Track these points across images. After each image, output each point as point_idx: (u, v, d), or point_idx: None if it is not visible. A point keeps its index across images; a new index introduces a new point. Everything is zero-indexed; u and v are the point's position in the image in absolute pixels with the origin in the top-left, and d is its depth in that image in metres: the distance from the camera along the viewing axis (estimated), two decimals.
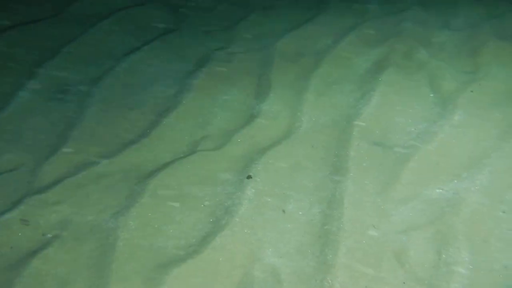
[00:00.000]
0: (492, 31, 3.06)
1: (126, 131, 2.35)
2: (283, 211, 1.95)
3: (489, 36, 3.02)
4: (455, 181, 2.05)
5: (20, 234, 1.78)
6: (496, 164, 2.11)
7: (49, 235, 1.78)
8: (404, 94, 2.68)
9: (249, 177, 2.10)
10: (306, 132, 2.44)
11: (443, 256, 1.72)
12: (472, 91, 2.61)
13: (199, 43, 3.20)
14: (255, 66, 3.04)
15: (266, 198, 2.01)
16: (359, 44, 3.24)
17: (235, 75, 2.93)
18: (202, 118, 2.53)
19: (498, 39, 2.98)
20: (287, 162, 2.23)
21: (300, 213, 1.96)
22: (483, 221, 1.85)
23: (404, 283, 1.64)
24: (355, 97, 2.69)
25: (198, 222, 1.88)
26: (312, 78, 2.88)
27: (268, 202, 1.99)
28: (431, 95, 2.67)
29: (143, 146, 2.25)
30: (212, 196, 2.01)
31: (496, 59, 2.83)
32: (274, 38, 3.28)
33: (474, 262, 1.69)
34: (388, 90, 2.72)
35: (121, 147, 2.22)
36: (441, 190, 2.02)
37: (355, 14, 3.47)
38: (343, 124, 2.47)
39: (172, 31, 3.29)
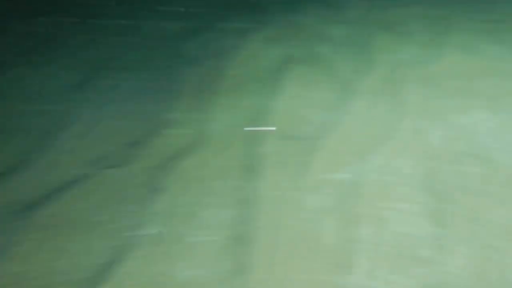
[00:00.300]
0: (378, 23, 3.34)
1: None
2: (195, 218, 2.00)
3: (377, 27, 3.30)
4: (358, 165, 2.24)
5: None
6: (389, 144, 2.34)
7: None
8: (309, 88, 2.85)
9: (157, 190, 2.13)
10: (217, 136, 2.51)
11: (351, 236, 1.88)
12: (364, 76, 2.84)
13: None
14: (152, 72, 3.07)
15: (177, 209, 2.04)
16: (261, 42, 3.38)
17: None
18: None
19: (383, 30, 3.27)
20: (199, 170, 2.28)
21: (215, 217, 2.02)
22: (380, 197, 2.05)
23: (322, 268, 1.77)
24: (262, 95, 2.81)
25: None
26: (220, 78, 2.96)
27: (179, 212, 2.03)
28: (333, 86, 2.86)
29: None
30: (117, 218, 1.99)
31: (384, 46, 3.10)
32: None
33: (374, 236, 1.88)
34: (294, 85, 2.88)
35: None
36: (346, 174, 2.19)
37: (255, 13, 3.60)
38: (253, 122, 2.58)
39: None
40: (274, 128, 2.52)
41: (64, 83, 2.87)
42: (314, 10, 3.60)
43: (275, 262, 1.79)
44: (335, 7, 3.59)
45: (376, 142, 2.36)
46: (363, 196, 2.06)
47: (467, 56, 2.89)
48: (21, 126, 2.52)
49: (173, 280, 1.72)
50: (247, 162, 2.31)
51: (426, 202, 2.00)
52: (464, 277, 1.68)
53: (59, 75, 2.94)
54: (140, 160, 2.32)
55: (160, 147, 2.41)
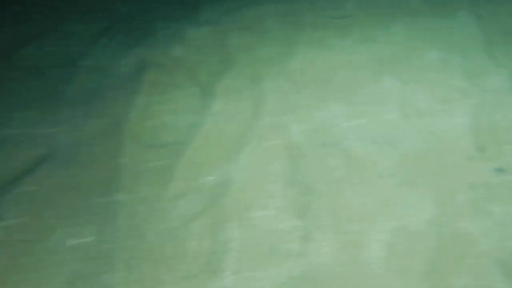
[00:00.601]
0: (233, 23, 3.34)
1: None
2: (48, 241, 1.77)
3: (232, 28, 3.29)
4: (224, 165, 2.17)
5: None
6: (255, 143, 2.31)
7: None
8: (168, 92, 2.72)
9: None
10: (73, 148, 2.27)
11: (219, 238, 1.80)
12: (223, 77, 2.80)
13: None
14: None
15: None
16: (119, 47, 3.16)
17: None
18: None
19: (239, 30, 3.27)
20: (47, 187, 2.03)
21: (70, 240, 1.80)
22: (246, 196, 2.01)
23: (190, 276, 1.66)
24: (120, 103, 2.61)
25: None
26: (69, 89, 2.70)
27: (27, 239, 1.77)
28: (192, 89, 2.76)
29: None
30: None
31: (240, 46, 3.10)
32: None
33: (242, 235, 1.83)
34: (152, 91, 2.72)
35: None
36: (212, 177, 2.11)
37: (105, 17, 3.38)
38: (114, 132, 2.38)
39: None
40: None
41: None
42: (169, 11, 3.48)
43: (141, 278, 1.64)
44: (190, 8, 3.51)
45: (240, 142, 2.33)
46: (230, 197, 2.00)
47: (320, 51, 3.00)
48: None
49: None
50: (106, 175, 2.11)
51: (291, 196, 2.00)
52: (328, 264, 1.71)
53: None
54: None
55: None
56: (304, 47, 3.04)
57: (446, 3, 3.33)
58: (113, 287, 1.63)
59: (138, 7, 3.56)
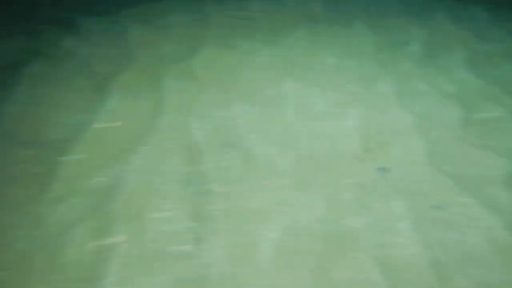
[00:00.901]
0: (134, 16, 3.22)
1: None
2: None
3: (132, 21, 3.17)
4: (116, 166, 2.07)
5: None
6: (150, 141, 2.24)
7: None
8: (56, 85, 2.55)
9: None
10: None
11: (101, 244, 1.70)
12: (123, 73, 2.69)
13: None
14: None
15: None
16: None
17: None
18: None
19: (140, 22, 3.16)
20: None
21: None
22: (138, 197, 1.93)
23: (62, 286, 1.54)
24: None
25: None
26: None
27: None
28: (85, 82, 2.61)
29: None
30: None
31: (141, 40, 3.00)
32: None
33: (130, 239, 1.75)
34: (36, 83, 2.53)
35: None
36: (101, 178, 2.00)
37: None
38: None
39: None
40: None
41: None
42: None
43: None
44: None
45: (135, 141, 2.24)
46: (120, 199, 1.90)
47: (224, 50, 3.00)
48: None
49: None
50: None
51: (185, 198, 1.96)
52: (219, 265, 1.69)
53: None
54: None
55: None
56: (208, 46, 3.03)
57: (344, 13, 3.50)
58: None
59: None
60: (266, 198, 2.00)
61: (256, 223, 1.87)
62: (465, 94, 2.72)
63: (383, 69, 2.89)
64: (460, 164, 2.19)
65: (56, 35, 2.88)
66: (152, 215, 1.86)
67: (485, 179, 2.11)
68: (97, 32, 3.06)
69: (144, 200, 1.91)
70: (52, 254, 1.65)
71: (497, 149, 2.29)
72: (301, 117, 2.53)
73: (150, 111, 2.45)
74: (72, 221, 1.78)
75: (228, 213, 1.90)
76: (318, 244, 1.77)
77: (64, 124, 2.28)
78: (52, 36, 2.86)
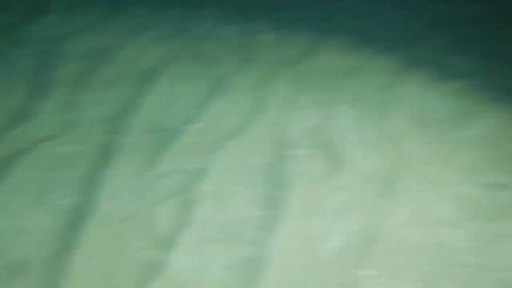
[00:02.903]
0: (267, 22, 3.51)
1: None
2: (44, 202, 2.02)
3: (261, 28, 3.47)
4: (211, 154, 2.32)
5: None
6: (246, 134, 2.45)
7: None
8: (182, 83, 2.92)
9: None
10: (82, 128, 2.53)
11: (185, 217, 1.96)
12: (240, 73, 2.96)
13: None
14: (37, 68, 3.04)
15: (13, 198, 2.06)
16: (151, 41, 3.42)
17: (10, 79, 2.91)
18: None
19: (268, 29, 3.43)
20: (55, 159, 2.29)
21: (61, 202, 2.03)
22: (224, 183, 2.15)
23: (147, 247, 1.83)
24: (135, 91, 2.85)
25: None
26: (96, 75, 2.98)
27: (15, 201, 2.04)
28: (208, 82, 2.94)
29: None
30: None
31: (263, 45, 3.25)
32: (63, 38, 3.31)
33: (209, 217, 1.97)
34: (166, 80, 2.94)
35: None
36: (198, 164, 2.27)
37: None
38: (120, 116, 2.61)
39: None
40: None
41: None
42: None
43: (102, 244, 1.83)
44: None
45: (233, 134, 2.46)
46: (205, 183, 2.15)
47: (344, 55, 3.08)
48: None
49: None
50: (102, 152, 2.33)
51: (263, 188, 2.10)
52: (282, 252, 1.79)
53: None
54: None
55: (20, 135, 2.44)
56: (326, 49, 3.14)
57: None
58: (77, 242, 1.81)
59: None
60: (345, 199, 2.03)
61: (327, 221, 1.92)
62: None
63: None
64: None
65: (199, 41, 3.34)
66: (234, 200, 2.06)
67: None
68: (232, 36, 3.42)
69: (229, 186, 2.13)
70: (144, 222, 1.95)
71: None
72: (410, 124, 2.48)
73: (255, 107, 2.65)
74: (166, 195, 2.08)
75: (300, 210, 1.98)
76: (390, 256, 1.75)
77: (184, 115, 2.63)
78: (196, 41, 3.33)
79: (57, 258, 1.78)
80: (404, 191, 2.07)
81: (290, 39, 3.37)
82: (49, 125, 2.53)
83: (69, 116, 2.61)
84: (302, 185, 2.12)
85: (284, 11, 3.68)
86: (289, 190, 2.08)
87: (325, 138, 2.43)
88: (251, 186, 2.12)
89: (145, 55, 3.21)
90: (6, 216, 1.99)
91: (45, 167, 2.23)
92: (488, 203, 2.03)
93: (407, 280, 1.70)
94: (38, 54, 3.17)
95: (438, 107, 2.65)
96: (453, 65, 3.03)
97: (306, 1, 3.82)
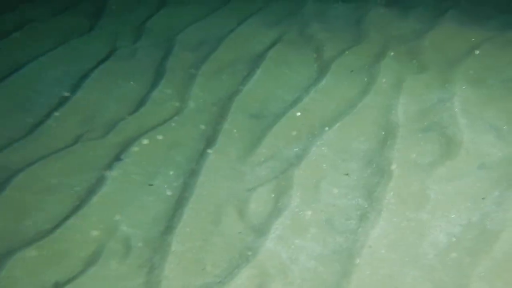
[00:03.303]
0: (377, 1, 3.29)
1: (11, 131, 2.54)
2: (150, 185, 2.15)
3: (373, 5, 3.24)
4: (310, 139, 2.25)
5: None
6: (347, 119, 2.32)
7: None
8: (287, 67, 2.89)
9: (118, 159, 2.30)
10: (191, 113, 2.64)
11: (278, 204, 1.92)
12: (347, 54, 2.81)
13: (106, 43, 3.41)
14: (156, 58, 3.25)
15: (133, 176, 2.20)
16: (259, 26, 3.44)
17: (134, 69, 3.13)
18: (93, 112, 2.72)
19: (381, 7, 3.20)
20: (164, 142, 2.42)
21: (165, 186, 2.15)
22: (320, 170, 2.06)
23: (239, 232, 1.83)
24: (242, 76, 2.89)
25: (64, 208, 2.05)
26: (207, 63, 3.08)
27: (134, 180, 2.18)
28: (314, 64, 2.86)
29: (25, 144, 2.44)
30: (83, 182, 2.20)
31: (374, 25, 3.03)
32: (179, 29, 3.49)
33: (300, 205, 1.90)
34: (273, 65, 2.93)
35: (9, 143, 2.42)
36: (296, 149, 2.22)
37: None
38: (226, 101, 2.67)
39: (83, 34, 3.50)
40: None
41: None
42: None
43: (199, 228, 1.89)
44: None
45: (335, 117, 2.36)
46: (303, 169, 2.08)
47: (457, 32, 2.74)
48: None
49: None
50: (206, 137, 2.41)
51: (362, 176, 1.98)
52: (377, 246, 1.66)
53: None
54: None
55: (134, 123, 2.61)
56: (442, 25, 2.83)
57: None
58: (177, 225, 1.89)
59: None
60: (450, 189, 1.82)
61: (430, 212, 1.74)
62: None
63: None
64: None
65: (306, 23, 3.24)
66: (328, 187, 1.96)
67: None
68: (341, 17, 3.28)
69: (324, 173, 2.03)
70: (240, 206, 1.97)
71: None
72: None
73: (362, 90, 2.51)
74: (262, 181, 2.07)
75: (396, 197, 1.82)
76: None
77: (283, 100, 2.60)
78: (302, 24, 3.25)
79: (153, 239, 1.88)
80: None
81: (403, 14, 3.12)
82: (161, 112, 2.69)
83: (180, 102, 2.75)
84: (406, 172, 1.95)
85: None
86: (391, 179, 1.93)
87: (438, 121, 2.20)
88: (349, 173, 2.01)
89: (255, 41, 3.24)
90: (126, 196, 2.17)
91: (153, 152, 2.37)
92: None
93: None
94: (157, 45, 3.39)
95: None
96: None
97: None
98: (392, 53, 2.74)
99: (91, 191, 2.11)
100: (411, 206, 1.80)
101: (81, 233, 1.91)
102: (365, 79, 2.58)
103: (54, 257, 1.81)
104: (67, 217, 1.98)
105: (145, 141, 2.42)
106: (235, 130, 2.43)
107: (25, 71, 3.09)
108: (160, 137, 2.46)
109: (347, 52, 2.86)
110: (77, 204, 2.06)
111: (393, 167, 1.98)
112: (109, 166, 2.25)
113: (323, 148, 2.17)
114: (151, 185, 2.14)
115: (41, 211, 2.03)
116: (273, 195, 1.97)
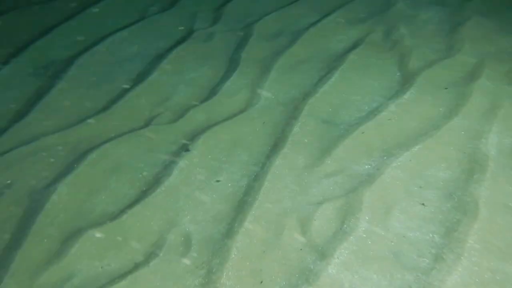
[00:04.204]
0: (476, 7, 3.02)
1: (87, 106, 2.60)
2: (217, 181, 2.12)
3: (472, 12, 2.99)
4: (384, 158, 2.12)
5: None
6: (427, 142, 2.16)
7: None
8: (368, 74, 2.75)
9: (186, 150, 2.28)
10: (261, 109, 2.58)
11: (344, 225, 1.82)
12: (436, 67, 2.62)
13: (184, 23, 3.39)
14: (231, 45, 3.20)
15: (198, 169, 2.18)
16: (341, 23, 3.30)
17: (209, 54, 3.10)
18: (165, 94, 2.73)
19: (480, 15, 2.94)
20: (231, 138, 2.39)
21: (229, 184, 2.11)
22: (393, 195, 1.94)
23: (300, 249, 1.76)
24: (318, 76, 2.78)
25: (130, 191, 2.08)
26: (283, 56, 2.99)
27: (199, 173, 2.16)
28: (397, 74, 2.70)
29: (99, 120, 2.48)
30: (151, 167, 2.21)
31: (470, 36, 2.80)
32: (257, 17, 3.41)
33: (368, 231, 1.79)
34: (352, 68, 2.80)
35: (77, 121, 2.47)
36: (368, 166, 2.10)
37: None
38: (299, 101, 2.58)
39: (162, 11, 3.50)
40: None
41: None
42: None
43: (257, 236, 1.84)
44: None
45: (413, 137, 2.20)
46: (375, 190, 1.96)
47: None
48: None
49: None
50: (274, 138, 2.34)
51: (442, 210, 1.83)
52: (444, 286, 1.55)
53: None
54: None
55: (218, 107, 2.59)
56: None
57: None
58: (238, 229, 1.82)
59: None
60: None
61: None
62: None
63: None
64: None
65: (393, 26, 3.08)
66: (400, 216, 1.84)
67: None
68: (433, 23, 3.08)
69: (397, 199, 1.90)
70: (304, 221, 1.89)
71: None
72: None
73: (447, 109, 2.33)
74: (328, 196, 1.97)
75: (484, 244, 1.67)
76: None
77: (358, 109, 2.47)
78: (389, 27, 3.09)
79: (213, 240, 1.85)
80: None
81: (505, 28, 2.86)
82: (231, 104, 2.64)
83: (251, 96, 2.69)
84: (494, 215, 1.79)
85: None
86: (475, 219, 1.78)
87: None
88: (425, 203, 1.88)
89: (335, 39, 3.10)
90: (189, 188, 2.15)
91: (219, 147, 2.33)
92: None
93: None
94: (234, 30, 3.33)
95: None
96: None
97: None
98: (489, 72, 2.52)
99: (158, 180, 2.12)
100: (498, 256, 1.64)
101: (145, 222, 1.92)
102: (454, 99, 2.40)
103: (116, 243, 1.83)
104: (133, 203, 2.00)
105: (212, 134, 2.39)
106: (305, 135, 2.34)
107: (107, 43, 3.16)
108: (227, 131, 2.42)
109: (436, 63, 2.67)
110: (144, 190, 2.08)
111: (480, 206, 1.82)
112: (177, 155, 2.25)
113: (398, 170, 2.04)
114: (218, 181, 2.11)
115: (110, 192, 2.07)
116: (339, 215, 1.88)
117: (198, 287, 1.66)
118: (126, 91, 2.72)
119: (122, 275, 1.71)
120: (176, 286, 1.67)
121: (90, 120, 2.48)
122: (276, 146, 2.29)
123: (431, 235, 1.74)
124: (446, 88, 2.44)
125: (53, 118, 2.50)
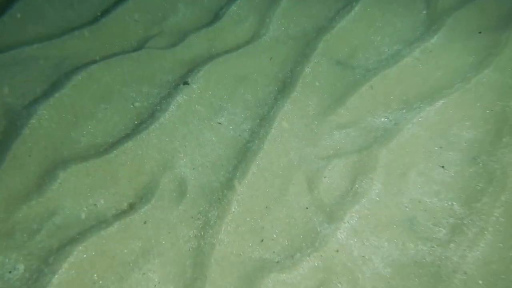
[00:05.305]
0: None
1: (75, 15, 2.30)
2: (218, 123, 1.92)
3: None
4: (403, 111, 1.94)
5: None
6: (453, 96, 1.97)
7: None
8: (391, 10, 2.47)
9: (185, 83, 2.05)
10: (269, 42, 2.33)
11: (356, 185, 1.68)
12: (470, 7, 2.35)
13: None
14: None
15: (197, 107, 1.97)
16: None
17: None
18: (161, 12, 2.43)
19: None
20: (235, 73, 2.16)
21: (231, 127, 1.93)
22: (411, 154, 1.80)
23: (306, 208, 1.62)
24: (335, 9, 2.50)
25: (121, 123, 1.88)
26: None
27: (198, 111, 1.95)
28: (423, 12, 2.43)
29: (87, 36, 2.21)
30: (144, 98, 1.99)
31: None
32: None
33: (382, 194, 1.66)
34: (374, 3, 2.49)
35: (61, 33, 2.19)
36: (385, 119, 1.93)
37: None
38: (312, 37, 2.33)
39: None
40: None
41: None
42: None
43: (261, 189, 1.70)
44: None
45: (438, 90, 2.02)
46: (391, 148, 1.81)
47: None
48: None
49: None
50: (285, 78, 2.12)
51: (464, 176, 1.68)
52: (474, 275, 1.43)
53: None
54: None
55: (221, 34, 2.32)
56: None
57: None
58: (240, 180, 1.70)
59: None
60: None
61: None
62: None
63: None
64: None
65: None
66: (417, 179, 1.69)
67: None
68: None
69: (415, 160, 1.74)
70: (311, 176, 1.74)
71: None
72: None
73: (478, 59, 2.11)
74: (339, 151, 1.82)
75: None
76: None
77: (378, 51, 2.23)
78: None
79: (211, 189, 1.71)
80: None
81: None
82: (236, 33, 2.37)
83: (259, 26, 2.41)
84: None
85: None
86: (503, 190, 1.63)
87: None
88: (445, 166, 1.73)
89: None
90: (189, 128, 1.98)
91: (221, 83, 2.12)
92: None
93: None
94: None
95: None
96: None
97: None
98: None
99: (152, 114, 1.93)
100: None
101: (136, 161, 1.75)
102: (487, 47, 2.17)
103: (104, 181, 1.67)
104: (123, 138, 1.83)
105: (213, 67, 2.15)
106: (316, 78, 2.11)
107: None
108: (231, 65, 2.19)
109: (468, 4, 2.40)
110: (137, 124, 1.88)
111: (509, 175, 1.66)
112: (174, 87, 2.03)
113: (418, 127, 1.87)
114: (219, 123, 1.91)
115: (97, 121, 1.88)
116: (350, 173, 1.73)
117: (193, 239, 1.53)
118: (117, 3, 2.41)
119: (110, 220, 1.57)
120: (170, 237, 1.54)
121: (76, 33, 2.20)
122: (284, 87, 2.08)
123: (449, 203, 1.62)
124: (480, 33, 2.19)
125: (33, 23, 2.20)
